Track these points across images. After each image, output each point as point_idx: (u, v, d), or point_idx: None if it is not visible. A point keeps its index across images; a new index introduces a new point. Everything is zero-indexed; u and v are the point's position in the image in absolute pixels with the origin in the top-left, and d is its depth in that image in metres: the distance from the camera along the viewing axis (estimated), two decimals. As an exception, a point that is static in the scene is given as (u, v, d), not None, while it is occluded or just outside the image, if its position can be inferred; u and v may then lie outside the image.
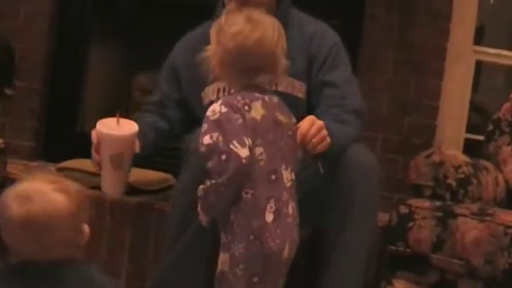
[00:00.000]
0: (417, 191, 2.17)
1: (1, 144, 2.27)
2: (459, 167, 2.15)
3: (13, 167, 2.47)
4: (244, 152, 1.57)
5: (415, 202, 2.06)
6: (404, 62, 2.71)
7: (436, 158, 2.16)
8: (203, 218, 1.65)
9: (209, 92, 1.99)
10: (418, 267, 2.04)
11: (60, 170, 2.45)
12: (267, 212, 1.59)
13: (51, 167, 2.60)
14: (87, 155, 2.01)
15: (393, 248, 2.05)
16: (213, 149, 1.57)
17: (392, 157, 2.73)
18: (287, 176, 1.65)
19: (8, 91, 2.86)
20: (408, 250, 2.02)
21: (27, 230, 1.25)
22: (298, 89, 1.97)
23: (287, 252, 1.65)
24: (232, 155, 1.56)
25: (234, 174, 1.56)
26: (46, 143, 2.91)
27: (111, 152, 1.93)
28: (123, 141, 1.95)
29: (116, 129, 1.94)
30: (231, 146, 1.56)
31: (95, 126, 1.97)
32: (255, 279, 1.61)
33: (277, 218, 1.60)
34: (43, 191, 1.28)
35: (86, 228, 1.34)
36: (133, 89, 3.08)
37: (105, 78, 3.07)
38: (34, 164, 2.76)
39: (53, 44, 2.90)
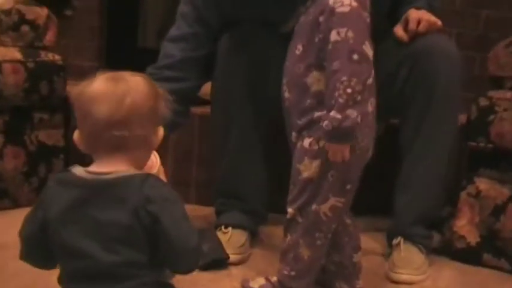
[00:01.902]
0: (498, 84, 2.01)
1: (59, 61, 2.22)
2: (543, 54, 1.98)
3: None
4: (371, 54, 1.45)
5: (495, 94, 1.91)
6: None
7: (517, 46, 1.99)
8: (342, 152, 1.46)
9: None
10: (501, 163, 1.90)
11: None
12: None
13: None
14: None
15: (474, 144, 1.91)
16: (341, 46, 1.42)
17: (469, 54, 2.57)
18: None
19: (67, 12, 2.83)
20: (490, 145, 1.88)
21: (107, 98, 1.19)
22: None
23: (370, 151, 1.56)
24: (365, 57, 1.43)
25: (368, 78, 1.44)
26: (108, 62, 2.87)
27: None
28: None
29: None
30: (364, 47, 1.43)
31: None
32: (348, 186, 1.52)
33: (362, 117, 1.48)
34: (124, 75, 1.23)
35: (161, 130, 1.26)
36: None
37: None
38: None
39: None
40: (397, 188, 1.90)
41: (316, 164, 1.50)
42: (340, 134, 1.42)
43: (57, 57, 2.23)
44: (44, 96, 2.18)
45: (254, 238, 1.98)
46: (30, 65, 2.15)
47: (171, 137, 2.30)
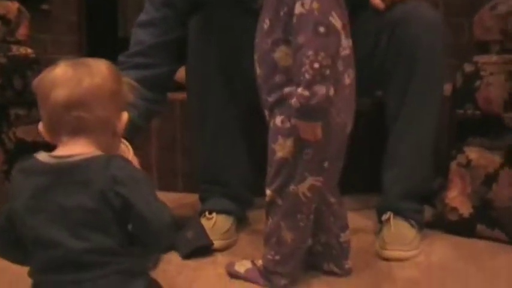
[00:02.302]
0: (484, 49, 1.94)
1: (31, 54, 2.17)
2: (529, 15, 1.91)
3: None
4: (340, 25, 1.37)
5: (481, 58, 1.84)
6: None
7: (502, 8, 1.91)
8: (312, 130, 1.39)
9: None
10: (490, 130, 1.83)
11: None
12: None
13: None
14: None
15: (461, 112, 1.85)
16: (306, 18, 1.35)
17: (457, 20, 2.50)
18: (343, 43, 1.45)
19: (44, 6, 2.78)
20: (478, 112, 1.82)
21: (65, 79, 1.18)
22: None
23: (349, 126, 1.49)
24: (332, 29, 1.35)
25: (336, 52, 1.36)
26: (90, 54, 2.79)
27: None
28: None
29: None
30: (331, 19, 1.35)
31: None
32: (326, 164, 1.46)
33: (337, 90, 1.42)
34: (85, 60, 1.23)
35: (125, 115, 1.24)
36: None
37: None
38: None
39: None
40: (384, 162, 1.84)
41: (289, 142, 1.44)
42: (308, 111, 1.36)
43: (29, 50, 2.18)
44: (19, 91, 2.12)
45: (241, 223, 1.93)
46: (2, 60, 2.09)
47: (153, 126, 2.25)
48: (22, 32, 2.27)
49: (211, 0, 1.82)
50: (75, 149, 1.20)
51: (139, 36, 1.88)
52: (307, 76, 1.33)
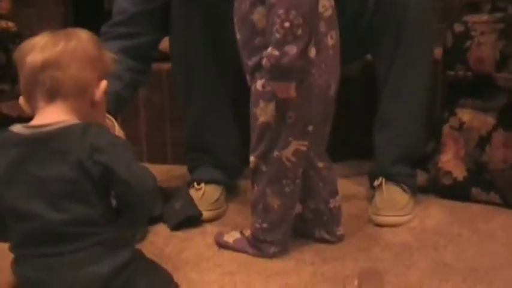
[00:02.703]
0: (476, 9, 1.89)
1: (13, 28, 2.13)
2: (521, -28, 1.85)
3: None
4: None
5: (471, 18, 1.79)
6: None
7: (493, -34, 1.87)
8: (286, 91, 1.35)
9: None
10: (482, 91, 1.78)
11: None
12: (309, 46, 1.36)
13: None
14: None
15: (452, 73, 1.80)
16: None
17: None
18: (324, 3, 1.40)
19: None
20: (469, 73, 1.77)
21: (47, 40, 1.18)
22: None
23: (333, 88, 1.45)
24: None
25: (310, 11, 1.31)
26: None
27: None
28: None
29: None
30: None
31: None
32: (310, 128, 1.42)
33: (319, 51, 1.38)
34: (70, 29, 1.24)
35: (104, 83, 1.22)
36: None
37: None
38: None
39: None
40: (375, 126, 1.81)
41: (271, 106, 1.40)
42: (280, 71, 1.31)
43: (10, 24, 2.14)
44: (2, 65, 2.09)
45: (230, 193, 1.90)
46: (-17, 33, 2.06)
47: (141, 97, 2.21)
48: (3, 6, 2.23)
49: None
50: (52, 117, 1.17)
51: (122, 6, 1.83)
52: (277, 35, 1.29)
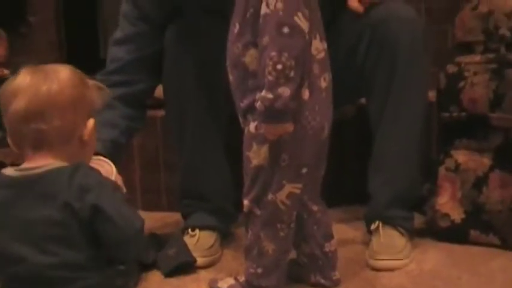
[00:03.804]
0: (467, 50, 1.89)
1: (7, 75, 2.13)
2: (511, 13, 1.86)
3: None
4: (306, 27, 1.32)
5: (464, 59, 1.80)
6: None
7: (483, 8, 1.87)
8: (279, 132, 1.34)
9: None
10: (477, 132, 1.77)
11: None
12: (302, 88, 1.36)
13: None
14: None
15: (446, 114, 1.80)
16: (270, 19, 1.30)
17: (440, 28, 2.46)
18: (317, 46, 1.40)
19: (22, 29, 2.74)
20: (463, 113, 1.77)
21: (23, 91, 1.15)
22: None
23: (326, 130, 1.44)
24: (297, 30, 1.30)
25: (302, 53, 1.31)
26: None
27: None
28: None
29: None
30: (296, 19, 1.30)
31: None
32: (304, 170, 1.40)
33: (312, 94, 1.38)
34: (48, 67, 1.22)
35: (91, 122, 1.21)
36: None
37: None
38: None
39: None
40: (370, 169, 1.79)
41: (264, 149, 1.38)
42: (273, 114, 1.31)
43: (5, 71, 2.15)
44: (-5, 113, 2.08)
45: (225, 239, 1.87)
46: (-22, 82, 2.05)
47: (135, 143, 2.20)
48: (0, 53, 2.23)
49: (186, 9, 1.78)
50: (40, 161, 1.16)
51: (116, 54, 1.84)
52: (270, 78, 1.29)
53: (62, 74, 1.19)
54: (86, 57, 2.75)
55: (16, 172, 1.16)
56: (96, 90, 1.25)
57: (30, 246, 1.12)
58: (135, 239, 1.15)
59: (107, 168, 1.52)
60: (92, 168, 1.19)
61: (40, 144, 1.15)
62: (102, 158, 1.54)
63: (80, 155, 1.21)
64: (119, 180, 1.52)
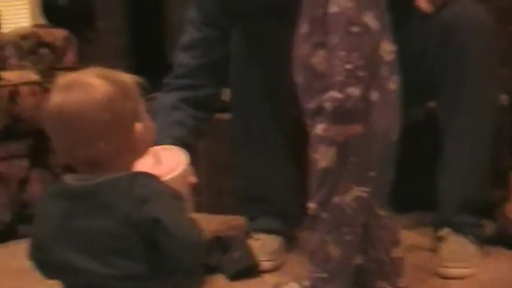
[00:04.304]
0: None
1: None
2: None
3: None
4: (376, 26, 1.31)
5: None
6: None
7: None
8: (348, 131, 1.33)
9: None
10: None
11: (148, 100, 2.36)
12: (371, 89, 1.34)
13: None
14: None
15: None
16: (339, 18, 1.30)
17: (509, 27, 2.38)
18: (386, 47, 1.38)
19: (90, 35, 2.79)
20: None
21: (59, 118, 1.10)
22: None
23: (395, 134, 1.41)
24: (366, 29, 1.29)
25: (371, 53, 1.30)
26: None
27: None
28: (178, 182, 1.49)
29: (161, 168, 1.49)
30: (365, 18, 1.30)
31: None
32: (372, 173, 1.38)
33: (381, 95, 1.36)
34: (83, 78, 1.12)
35: (139, 126, 1.13)
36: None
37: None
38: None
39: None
40: (438, 175, 1.75)
41: (332, 151, 1.37)
42: (343, 114, 1.30)
43: (74, 76, 2.17)
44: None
45: (290, 243, 1.85)
46: (48, 85, 2.09)
47: (201, 146, 2.20)
48: (69, 58, 2.28)
49: (250, 13, 1.78)
50: (98, 172, 1.12)
51: (182, 59, 1.86)
52: (339, 78, 1.27)
53: (97, 93, 1.10)
54: (153, 62, 2.79)
55: (76, 181, 1.14)
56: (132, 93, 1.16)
57: (91, 258, 1.10)
58: (192, 251, 1.11)
59: (180, 157, 1.52)
60: (150, 176, 1.15)
61: (92, 163, 1.12)
62: (176, 147, 1.56)
63: (135, 157, 1.18)
64: (191, 171, 1.53)
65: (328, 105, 1.30)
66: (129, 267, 1.10)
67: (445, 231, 1.71)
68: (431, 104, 1.89)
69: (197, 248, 1.12)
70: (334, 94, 1.28)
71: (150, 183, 1.12)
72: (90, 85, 1.11)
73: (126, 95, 1.13)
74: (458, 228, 1.71)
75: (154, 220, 1.08)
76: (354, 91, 1.27)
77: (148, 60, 2.81)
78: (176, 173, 1.45)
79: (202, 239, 1.14)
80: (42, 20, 2.74)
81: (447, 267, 1.63)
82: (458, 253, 1.66)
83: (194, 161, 2.16)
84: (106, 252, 1.10)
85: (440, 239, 1.73)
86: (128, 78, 1.15)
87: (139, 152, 1.17)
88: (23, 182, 2.11)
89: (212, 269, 1.68)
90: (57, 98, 1.11)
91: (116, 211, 1.09)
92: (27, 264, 1.17)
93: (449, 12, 1.68)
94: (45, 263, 1.16)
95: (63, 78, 1.14)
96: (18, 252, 1.88)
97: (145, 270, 1.10)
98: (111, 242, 1.09)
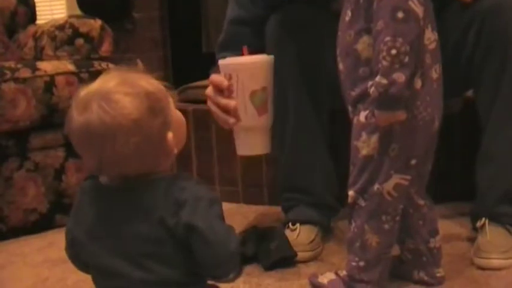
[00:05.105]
0: None
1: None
2: None
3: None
4: (421, 12, 1.30)
5: None
6: None
7: None
8: (392, 117, 1.32)
9: None
10: None
11: (183, 90, 2.38)
12: (415, 77, 1.33)
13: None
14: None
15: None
16: (384, 3, 1.29)
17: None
18: (429, 35, 1.38)
19: (128, 25, 2.81)
20: None
21: (86, 140, 1.06)
22: None
23: (437, 123, 1.41)
24: (412, 15, 1.29)
25: (416, 38, 1.29)
26: (174, 71, 2.82)
27: (252, 89, 1.55)
28: (268, 69, 1.57)
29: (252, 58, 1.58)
30: (411, 3, 1.29)
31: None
32: (413, 162, 1.38)
33: (424, 84, 1.36)
34: (105, 95, 1.05)
35: (170, 135, 1.08)
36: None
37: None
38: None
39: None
40: (478, 164, 1.72)
41: (374, 138, 1.36)
42: (388, 101, 1.29)
43: (111, 65, 2.19)
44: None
45: (326, 233, 1.85)
46: (84, 75, 2.11)
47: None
48: (105, 48, 2.29)
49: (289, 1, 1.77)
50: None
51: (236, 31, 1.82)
52: (384, 63, 1.27)
53: (124, 117, 1.04)
54: (189, 52, 2.80)
55: (113, 181, 1.11)
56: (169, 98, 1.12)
57: (127, 261, 1.08)
58: (228, 260, 1.08)
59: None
60: (190, 179, 1.13)
61: (126, 177, 1.09)
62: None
63: (170, 158, 1.15)
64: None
65: (373, 90, 1.30)
66: (164, 272, 1.08)
67: (483, 222, 1.69)
68: (469, 94, 1.87)
69: (233, 257, 1.09)
70: (380, 80, 1.27)
71: (189, 187, 1.09)
72: (115, 103, 1.04)
73: (153, 110, 1.06)
74: (497, 219, 1.68)
75: (190, 226, 1.06)
76: (400, 76, 1.26)
77: (184, 51, 2.83)
78: (264, 56, 1.57)
79: (238, 248, 1.11)
80: (78, 11, 2.77)
81: (485, 258, 1.61)
82: (497, 244, 1.63)
83: (230, 153, 2.18)
84: (142, 257, 1.08)
85: (477, 229, 1.70)
86: (151, 86, 1.08)
87: (174, 153, 1.12)
88: (60, 172, 2.13)
89: (248, 259, 1.67)
90: (80, 118, 1.05)
91: (152, 214, 1.07)
92: (64, 254, 1.18)
93: (489, 1, 1.65)
94: (79, 258, 1.16)
95: (84, 93, 1.07)
96: (55, 241, 1.92)
97: (180, 276, 1.09)
98: (147, 246, 1.08)
